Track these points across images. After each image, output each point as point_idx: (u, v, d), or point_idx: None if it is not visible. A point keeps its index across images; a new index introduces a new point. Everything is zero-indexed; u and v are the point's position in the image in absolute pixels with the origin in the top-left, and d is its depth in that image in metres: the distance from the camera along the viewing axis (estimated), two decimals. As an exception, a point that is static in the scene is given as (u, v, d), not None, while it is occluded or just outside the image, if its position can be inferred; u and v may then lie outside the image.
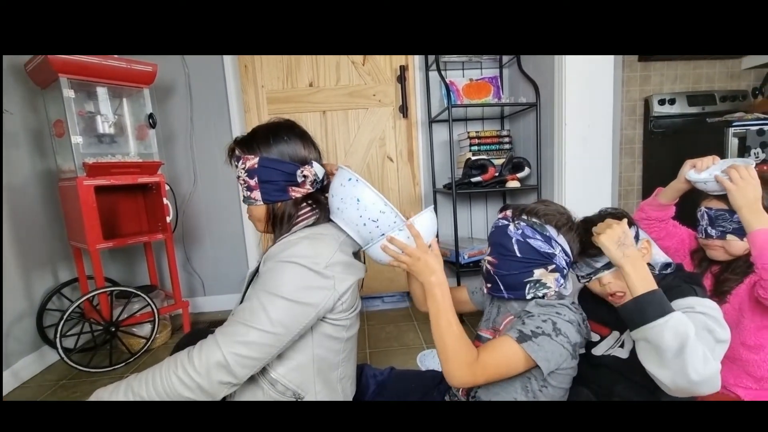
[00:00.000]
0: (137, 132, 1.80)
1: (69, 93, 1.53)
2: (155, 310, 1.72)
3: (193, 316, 2.18)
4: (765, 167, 1.79)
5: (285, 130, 0.82)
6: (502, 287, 0.83)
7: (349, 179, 0.77)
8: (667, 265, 0.85)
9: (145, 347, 1.73)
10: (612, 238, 0.74)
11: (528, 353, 0.72)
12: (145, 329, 1.77)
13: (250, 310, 0.69)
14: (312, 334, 0.77)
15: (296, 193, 0.81)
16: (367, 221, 0.77)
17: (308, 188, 0.82)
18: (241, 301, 0.78)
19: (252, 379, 0.74)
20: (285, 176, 0.79)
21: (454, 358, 0.72)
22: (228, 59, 2.09)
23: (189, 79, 2.11)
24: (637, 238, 0.82)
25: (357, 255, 0.85)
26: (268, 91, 2.17)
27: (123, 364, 1.65)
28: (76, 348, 1.73)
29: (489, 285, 0.87)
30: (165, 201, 1.78)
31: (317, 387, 0.79)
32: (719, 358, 0.69)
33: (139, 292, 1.69)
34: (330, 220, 0.84)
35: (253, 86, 2.16)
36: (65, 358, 1.53)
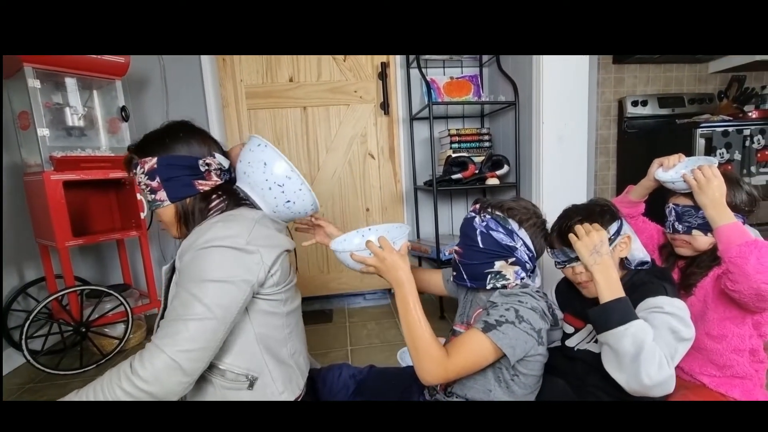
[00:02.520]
0: (109, 125, 1.73)
1: (34, 83, 1.46)
2: (129, 310, 1.66)
3: (169, 316, 2.12)
4: (729, 166, 1.88)
5: (180, 127, 0.81)
6: (465, 276, 0.86)
7: (258, 144, 0.79)
8: (643, 263, 0.89)
9: (118, 348, 1.67)
10: (588, 246, 0.79)
11: (494, 342, 0.73)
12: (118, 329, 1.71)
13: (182, 305, 0.67)
14: (248, 314, 0.76)
15: (204, 186, 0.79)
16: (273, 185, 0.79)
17: (215, 179, 0.81)
18: (164, 302, 0.76)
19: (200, 377, 0.71)
20: (187, 170, 0.78)
21: (425, 355, 0.73)
22: (205, 52, 2.04)
23: (164, 72, 2.05)
24: (619, 232, 0.85)
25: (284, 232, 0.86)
26: (247, 85, 2.12)
27: (94, 365, 1.59)
28: (43, 350, 1.66)
29: (455, 273, 0.89)
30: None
31: (270, 366, 0.78)
32: (681, 355, 0.75)
33: (111, 291, 1.63)
34: (241, 205, 0.83)
35: (232, 80, 2.12)
36: (31, 361, 1.47)
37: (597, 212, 0.86)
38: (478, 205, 0.87)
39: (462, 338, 0.77)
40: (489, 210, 0.84)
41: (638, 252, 0.89)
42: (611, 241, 0.83)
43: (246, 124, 2.15)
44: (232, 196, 0.83)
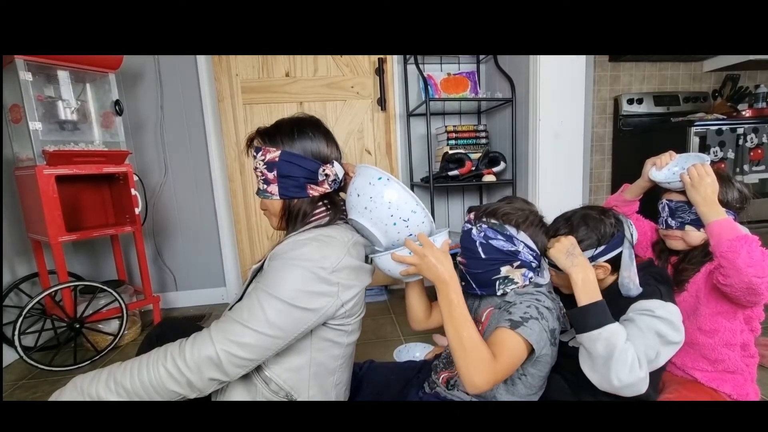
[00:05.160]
0: (102, 119, 1.71)
1: (26, 76, 1.44)
2: (123, 306, 1.65)
3: (164, 312, 2.11)
4: (723, 164, 1.90)
5: (310, 126, 0.80)
6: (474, 285, 0.86)
7: (379, 178, 0.75)
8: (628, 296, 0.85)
9: (113, 344, 1.66)
10: (560, 251, 0.81)
11: (524, 338, 0.72)
12: (113, 325, 1.70)
13: (249, 309, 0.67)
14: (311, 338, 0.75)
15: (314, 191, 0.79)
16: (398, 221, 0.75)
17: (327, 188, 0.80)
18: (241, 296, 0.76)
19: (245, 375, 0.72)
20: (306, 173, 0.77)
21: (475, 357, 0.68)
22: (200, 46, 2.01)
23: (159, 66, 2.02)
24: (594, 258, 0.84)
25: (367, 258, 0.83)
26: (242, 80, 2.11)
27: (88, 362, 1.58)
28: (36, 346, 1.64)
29: (464, 283, 0.88)
30: (134, 192, 1.71)
31: (311, 391, 0.78)
32: (666, 357, 0.77)
33: (105, 287, 1.62)
34: (340, 222, 0.81)
35: (227, 75, 2.10)
36: (24, 357, 1.45)
37: (575, 225, 0.86)
38: (472, 215, 0.86)
39: (496, 338, 0.74)
40: (484, 219, 0.83)
41: (629, 282, 0.84)
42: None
43: (242, 118, 2.13)
44: (336, 208, 0.82)
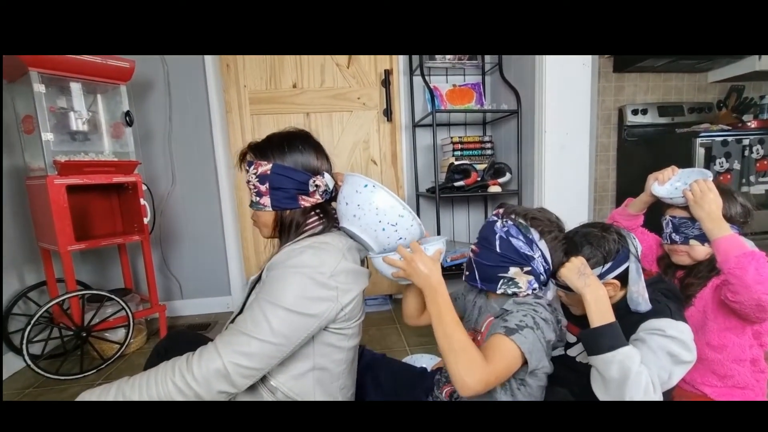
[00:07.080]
0: (113, 130, 1.74)
1: (40, 88, 1.47)
2: (130, 314, 1.66)
3: (170, 320, 2.12)
4: (729, 176, 1.90)
5: (300, 139, 0.82)
6: (477, 276, 0.85)
7: (365, 185, 0.77)
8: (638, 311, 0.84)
9: (119, 353, 1.67)
10: (572, 270, 0.80)
11: (518, 345, 0.72)
12: (119, 334, 1.71)
13: (252, 320, 0.68)
14: (313, 343, 0.76)
15: (306, 202, 0.81)
16: (387, 226, 0.77)
17: (318, 198, 0.82)
18: (242, 308, 0.77)
19: (251, 387, 0.73)
20: (297, 185, 0.79)
21: (465, 358, 0.68)
22: (209, 57, 2.05)
23: (168, 77, 2.06)
24: (602, 276, 0.83)
25: (362, 262, 0.85)
26: (250, 91, 2.14)
27: (95, 370, 1.58)
28: (43, 354, 1.65)
29: (467, 272, 0.88)
30: (142, 202, 1.73)
31: (317, 397, 0.79)
32: (679, 377, 0.76)
33: (112, 296, 1.63)
34: (334, 229, 0.83)
35: (235, 86, 2.13)
36: (32, 365, 1.46)
37: (578, 244, 0.86)
38: (501, 210, 0.86)
39: (490, 344, 0.74)
40: (512, 216, 0.83)
41: (638, 297, 0.82)
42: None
43: (249, 129, 2.16)
44: (329, 217, 0.84)
